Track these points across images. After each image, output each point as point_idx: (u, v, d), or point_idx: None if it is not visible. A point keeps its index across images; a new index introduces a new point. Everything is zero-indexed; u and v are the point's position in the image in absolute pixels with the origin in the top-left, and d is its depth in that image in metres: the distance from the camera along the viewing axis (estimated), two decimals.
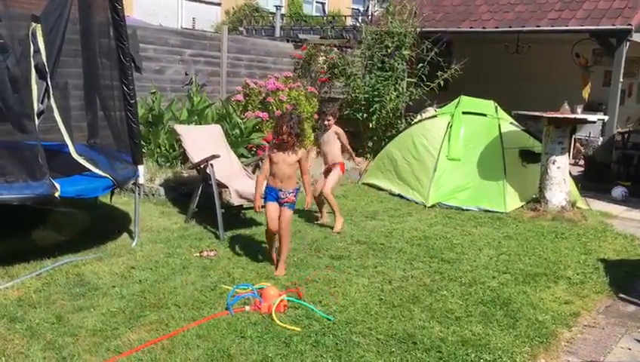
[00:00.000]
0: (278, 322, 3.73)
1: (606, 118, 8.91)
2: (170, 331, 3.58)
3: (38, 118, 4.61)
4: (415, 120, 9.07)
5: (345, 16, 18.67)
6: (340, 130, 6.30)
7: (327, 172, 6.31)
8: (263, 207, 4.73)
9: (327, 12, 21.15)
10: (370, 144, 10.05)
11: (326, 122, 6.28)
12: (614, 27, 9.18)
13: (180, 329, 3.60)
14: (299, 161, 4.72)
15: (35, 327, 3.56)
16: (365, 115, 9.96)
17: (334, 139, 6.27)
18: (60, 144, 4.99)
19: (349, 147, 6.41)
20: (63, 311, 3.80)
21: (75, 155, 4.90)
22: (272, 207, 4.70)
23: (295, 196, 4.75)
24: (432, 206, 7.28)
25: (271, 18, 17.25)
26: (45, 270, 4.43)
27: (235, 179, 6.04)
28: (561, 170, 7.13)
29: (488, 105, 8.05)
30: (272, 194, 4.71)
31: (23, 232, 5.22)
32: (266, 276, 4.58)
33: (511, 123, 7.91)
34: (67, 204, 4.73)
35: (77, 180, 4.76)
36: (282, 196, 4.69)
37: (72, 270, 4.49)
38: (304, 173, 4.82)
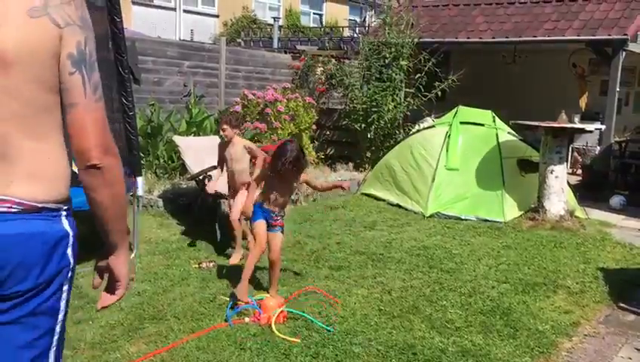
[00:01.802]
0: (277, 333, 3.71)
1: (603, 127, 8.95)
2: (170, 343, 3.57)
3: None
4: (413, 130, 9.10)
5: (342, 28, 18.79)
6: (252, 145, 5.28)
7: (234, 195, 5.33)
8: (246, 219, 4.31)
9: (324, 23, 21.28)
10: (368, 154, 10.07)
11: (221, 132, 5.16)
12: (610, 37, 9.25)
13: (179, 341, 3.58)
14: None
15: None
16: (363, 126, 9.99)
17: (244, 154, 5.19)
18: None
19: (259, 169, 4.93)
20: None
21: (73, 167, 4.89)
22: (262, 223, 4.23)
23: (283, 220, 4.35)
24: (431, 216, 7.27)
25: (269, 29, 17.37)
26: None
27: None
28: (559, 180, 7.13)
29: (486, 115, 8.07)
30: (262, 212, 4.25)
31: None
32: (264, 287, 4.57)
33: (509, 133, 7.92)
34: None
35: (76, 192, 4.71)
36: (274, 217, 4.27)
37: None
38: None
